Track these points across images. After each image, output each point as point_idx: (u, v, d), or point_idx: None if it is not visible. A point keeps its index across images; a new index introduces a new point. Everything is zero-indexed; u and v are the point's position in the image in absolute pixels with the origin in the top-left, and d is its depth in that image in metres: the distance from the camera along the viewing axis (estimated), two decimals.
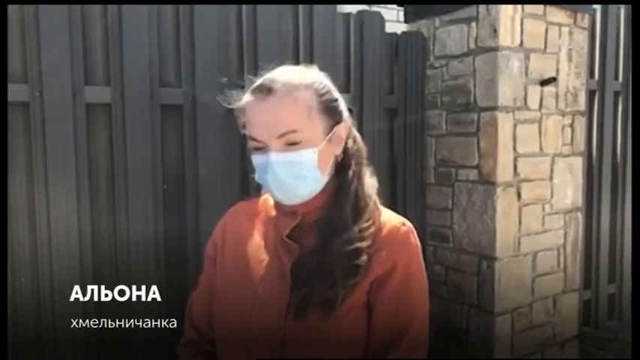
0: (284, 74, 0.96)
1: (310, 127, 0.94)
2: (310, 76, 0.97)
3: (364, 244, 0.95)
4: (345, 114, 1.02)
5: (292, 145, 0.93)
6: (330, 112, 0.97)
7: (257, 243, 1.05)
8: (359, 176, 1.03)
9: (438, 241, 2.33)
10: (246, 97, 0.97)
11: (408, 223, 1.03)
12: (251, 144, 0.97)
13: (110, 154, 1.63)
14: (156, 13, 1.67)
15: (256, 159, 0.97)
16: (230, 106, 1.03)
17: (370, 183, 1.05)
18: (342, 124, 1.00)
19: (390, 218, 1.02)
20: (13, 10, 1.46)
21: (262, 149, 0.95)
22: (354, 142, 1.04)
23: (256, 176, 1.00)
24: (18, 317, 1.51)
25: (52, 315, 1.53)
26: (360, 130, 1.08)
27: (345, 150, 1.02)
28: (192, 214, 1.74)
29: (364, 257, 0.94)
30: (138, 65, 1.63)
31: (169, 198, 1.71)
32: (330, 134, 0.97)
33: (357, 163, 1.03)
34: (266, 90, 0.93)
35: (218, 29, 1.76)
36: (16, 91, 1.47)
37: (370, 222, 0.98)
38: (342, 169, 1.02)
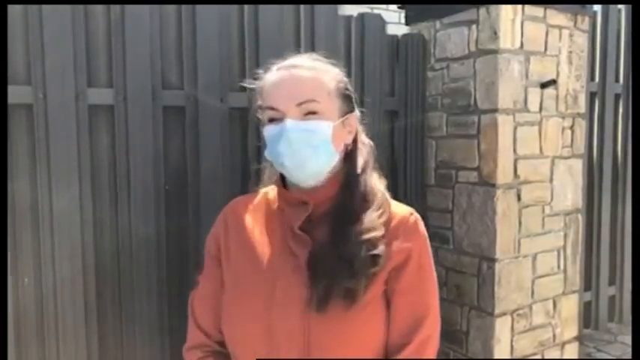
0: (307, 58, 1.04)
1: (328, 103, 0.99)
2: (329, 64, 1.05)
3: (379, 233, 0.98)
4: (357, 110, 1.08)
5: (310, 114, 0.97)
6: (345, 98, 1.04)
7: (264, 238, 1.04)
8: (367, 169, 1.07)
9: (439, 242, 2.34)
10: (270, 75, 1.03)
11: (416, 213, 1.07)
12: (267, 114, 1.01)
13: (113, 155, 1.64)
14: (158, 15, 1.68)
15: (270, 130, 1.00)
16: (252, 86, 1.08)
17: (378, 177, 1.09)
18: (354, 114, 1.06)
19: (399, 208, 1.06)
20: (17, 12, 1.48)
21: (278, 120, 0.98)
22: (363, 137, 1.09)
23: (268, 151, 1.03)
24: (21, 317, 1.52)
25: (55, 315, 1.54)
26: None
27: (355, 141, 1.06)
28: (194, 214, 1.75)
29: (382, 247, 0.97)
30: (140, 67, 1.64)
31: (171, 199, 1.73)
32: (344, 118, 1.02)
33: (365, 159, 1.07)
34: (291, 65, 1.01)
35: (220, 31, 1.77)
36: (19, 93, 1.49)
37: (381, 211, 1.02)
38: (351, 160, 1.05)
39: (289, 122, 0.96)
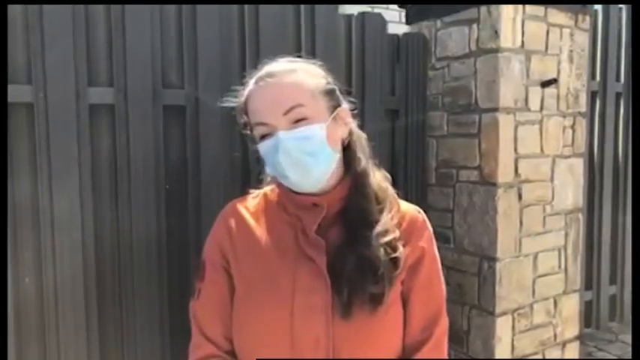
0: (282, 62, 1.01)
1: (314, 105, 0.96)
2: (307, 64, 1.02)
3: (396, 235, 0.98)
4: (345, 102, 1.04)
5: (300, 121, 0.94)
6: (330, 94, 1.00)
7: (273, 242, 1.01)
8: (369, 162, 1.05)
9: (439, 241, 2.32)
10: (248, 88, 1.00)
11: (422, 211, 1.08)
12: (258, 131, 0.98)
13: (113, 155, 1.64)
14: (159, 14, 1.68)
15: (265, 146, 0.97)
16: (233, 104, 1.04)
17: (383, 176, 1.07)
18: (343, 107, 1.03)
19: (407, 208, 1.07)
20: (17, 11, 1.48)
21: (269, 134, 0.95)
22: (356, 129, 1.07)
23: (267, 166, 1.00)
24: (22, 317, 1.52)
25: (56, 314, 1.54)
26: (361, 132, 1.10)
27: (351, 134, 1.04)
28: (194, 214, 1.75)
29: (401, 249, 0.97)
30: (141, 66, 1.64)
31: (172, 198, 1.72)
32: (334, 114, 0.99)
33: (364, 153, 1.04)
34: (267, 75, 0.97)
35: (220, 30, 1.77)
36: (20, 92, 1.49)
37: (393, 212, 1.01)
38: (351, 154, 1.03)
39: (282, 134, 0.93)
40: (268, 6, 1.87)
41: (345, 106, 1.04)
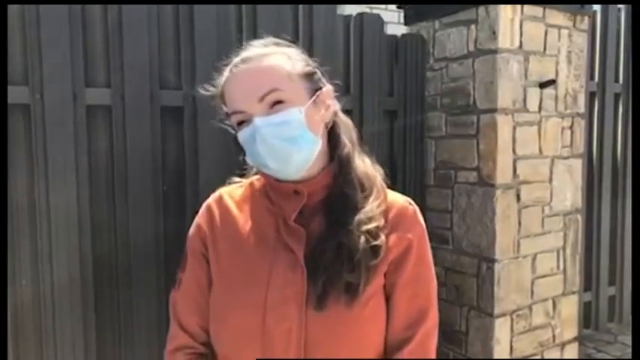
0: (257, 47, 0.97)
1: (292, 88, 0.91)
2: (284, 47, 0.98)
3: (379, 223, 0.93)
4: (327, 85, 0.99)
5: (276, 105, 0.90)
6: (310, 77, 0.96)
7: (254, 232, 0.98)
8: (354, 148, 1.00)
9: (438, 242, 2.33)
10: (225, 77, 0.96)
11: (413, 203, 1.02)
12: (235, 119, 0.94)
13: (110, 156, 1.63)
14: (156, 15, 1.67)
15: (243, 134, 0.93)
16: (211, 93, 1.01)
17: (372, 164, 1.02)
18: (325, 90, 0.97)
19: (396, 197, 1.01)
20: (14, 12, 1.47)
21: (246, 122, 0.91)
22: (341, 115, 1.02)
23: (247, 155, 0.97)
24: (19, 319, 1.51)
25: (53, 316, 1.54)
26: (359, 132, 1.08)
27: (334, 117, 0.99)
28: (192, 215, 1.73)
29: (382, 237, 0.92)
30: (138, 67, 1.63)
31: (169, 199, 1.72)
32: (314, 97, 0.94)
33: (349, 139, 1.00)
34: (241, 61, 0.93)
35: (218, 31, 1.77)
36: (17, 94, 1.48)
37: (379, 200, 0.96)
38: (335, 138, 0.98)
39: (258, 120, 0.89)
40: (266, 6, 1.86)
41: (328, 88, 0.99)
